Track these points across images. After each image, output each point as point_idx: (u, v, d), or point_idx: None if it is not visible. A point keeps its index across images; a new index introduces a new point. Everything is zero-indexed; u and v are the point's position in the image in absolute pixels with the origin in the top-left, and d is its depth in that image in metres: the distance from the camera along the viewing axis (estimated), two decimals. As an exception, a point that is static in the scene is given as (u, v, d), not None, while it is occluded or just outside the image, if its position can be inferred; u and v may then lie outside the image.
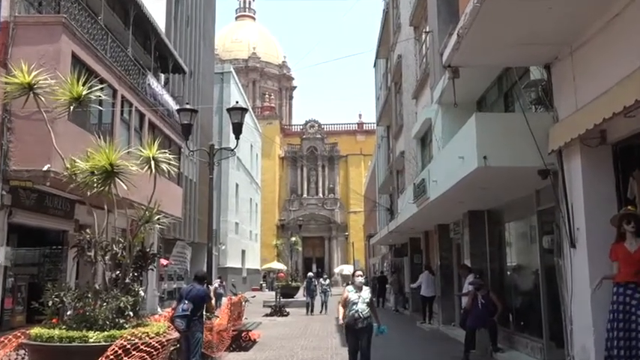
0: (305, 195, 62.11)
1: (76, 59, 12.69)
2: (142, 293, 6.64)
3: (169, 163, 7.33)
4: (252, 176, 48.17)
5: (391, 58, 23.60)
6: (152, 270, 9.05)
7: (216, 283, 24.64)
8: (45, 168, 11.25)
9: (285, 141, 64.88)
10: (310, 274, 23.60)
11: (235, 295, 17.03)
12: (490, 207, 11.75)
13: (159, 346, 5.71)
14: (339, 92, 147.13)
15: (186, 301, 8.18)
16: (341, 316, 7.92)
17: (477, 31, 6.28)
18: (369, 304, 7.81)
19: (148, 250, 7.59)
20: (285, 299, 24.38)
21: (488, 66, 9.32)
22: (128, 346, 5.48)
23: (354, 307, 7.70)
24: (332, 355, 11.18)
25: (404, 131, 20.09)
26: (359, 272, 8.36)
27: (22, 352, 6.49)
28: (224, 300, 16.96)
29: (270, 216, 58.87)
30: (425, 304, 16.83)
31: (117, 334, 5.73)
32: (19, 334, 6.41)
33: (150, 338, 5.75)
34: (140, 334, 5.76)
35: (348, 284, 9.11)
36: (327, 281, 23.89)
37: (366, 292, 7.88)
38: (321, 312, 21.69)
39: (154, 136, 15.75)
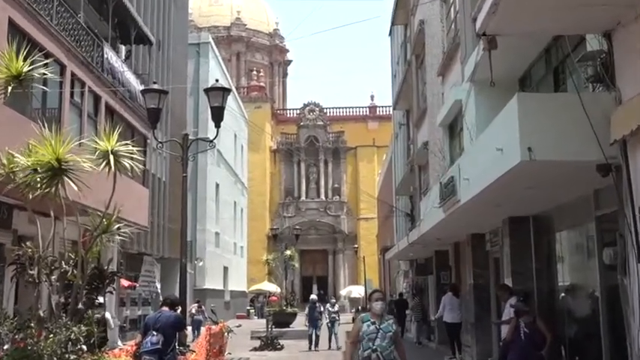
0: (303, 197, 62.21)
1: (14, 28, 12.70)
2: (108, 317, 6.68)
3: (132, 158, 7.35)
4: (237, 174, 48.23)
5: (411, 25, 23.57)
6: (111, 293, 9.06)
7: (193, 308, 24.73)
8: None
9: (277, 129, 64.93)
10: (313, 296, 23.58)
11: (216, 323, 17.06)
12: (536, 212, 11.75)
13: (119, 389, 5.73)
14: (345, 68, 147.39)
15: (155, 333, 8.16)
16: None
17: (518, -11, 6.27)
18: (394, 340, 7.08)
19: (105, 267, 7.60)
20: (278, 329, 24.42)
21: (534, 34, 9.31)
22: (81, 389, 5.50)
23: (371, 344, 6.97)
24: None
25: (427, 117, 20.10)
26: (378, 294, 7.46)
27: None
28: (202, 330, 16.99)
29: (260, 224, 58.96)
30: (451, 333, 16.89)
31: (67, 374, 5.75)
32: (-57, 374, 6.43)
33: (108, 378, 5.78)
34: (96, 374, 5.78)
35: (357, 310, 8.80)
36: (336, 307, 23.75)
37: (389, 323, 7.17)
38: (330, 347, 21.64)
39: (113, 124, 15.70)
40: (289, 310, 32.01)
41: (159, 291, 24.92)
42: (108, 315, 14.72)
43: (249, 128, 52.53)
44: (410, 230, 22.71)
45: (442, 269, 20.84)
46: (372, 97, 68.31)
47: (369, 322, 7.11)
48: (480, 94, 12.06)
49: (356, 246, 58.87)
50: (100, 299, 12.56)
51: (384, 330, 7.06)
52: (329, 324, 22.52)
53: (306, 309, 22.93)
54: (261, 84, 64.59)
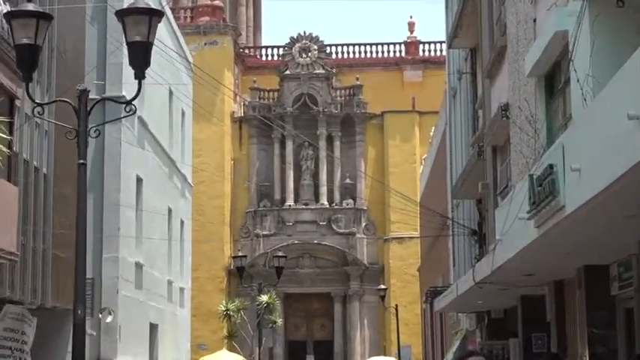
0: (290, 202, 62.18)
1: None
2: None
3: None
4: (174, 161, 48.18)
5: None
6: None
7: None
8: None
9: (246, 82, 64.92)
10: None
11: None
12: (699, 227, 11.81)
13: None
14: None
15: None
16: None
17: None
18: None
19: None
20: None
21: None
22: None
23: None
24: None
25: (508, 61, 20.15)
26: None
27: None
28: None
29: (214, 249, 58.97)
30: None
31: None
32: None
33: None
34: None
35: None
36: None
37: None
38: None
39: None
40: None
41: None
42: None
43: (195, 81, 52.48)
44: (477, 260, 22.72)
45: (534, 328, 20.94)
46: (410, 26, 67.90)
47: None
48: (599, 22, 12.10)
49: (382, 287, 58.83)
50: None
51: None
52: None
53: None
54: (217, 3, 64.51)
